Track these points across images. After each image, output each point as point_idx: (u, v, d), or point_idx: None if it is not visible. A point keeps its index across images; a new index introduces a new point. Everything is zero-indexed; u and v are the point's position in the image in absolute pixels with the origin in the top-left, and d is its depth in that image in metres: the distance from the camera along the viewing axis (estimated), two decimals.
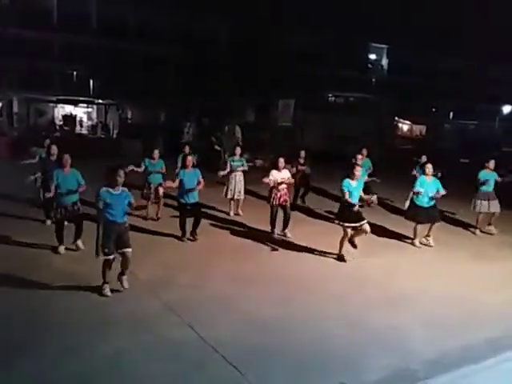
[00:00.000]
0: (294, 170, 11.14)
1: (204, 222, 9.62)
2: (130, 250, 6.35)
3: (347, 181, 7.83)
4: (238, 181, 10.90)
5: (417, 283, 7.30)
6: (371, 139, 20.21)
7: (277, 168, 9.13)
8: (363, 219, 7.90)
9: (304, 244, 8.85)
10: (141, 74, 31.67)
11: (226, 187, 11.03)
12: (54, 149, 9.32)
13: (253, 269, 7.61)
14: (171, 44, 31.99)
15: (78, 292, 6.36)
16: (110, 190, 6.26)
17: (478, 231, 10.40)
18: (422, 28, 35.04)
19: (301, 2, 31.95)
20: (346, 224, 7.88)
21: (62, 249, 7.91)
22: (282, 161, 9.13)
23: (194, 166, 8.97)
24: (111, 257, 6.27)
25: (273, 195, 9.11)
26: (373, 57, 44.10)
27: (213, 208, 11.33)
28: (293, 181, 9.63)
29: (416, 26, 34.88)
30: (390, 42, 40.43)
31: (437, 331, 5.80)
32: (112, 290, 6.37)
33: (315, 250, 8.54)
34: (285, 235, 9.34)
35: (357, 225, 7.86)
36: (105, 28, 31.44)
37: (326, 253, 8.42)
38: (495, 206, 10.20)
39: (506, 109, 41.60)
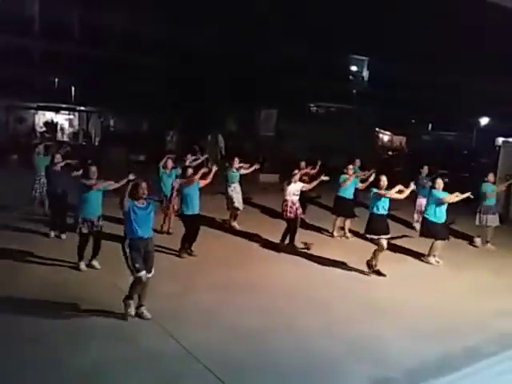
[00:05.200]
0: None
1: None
2: (151, 275, 5.96)
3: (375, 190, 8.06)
4: (238, 192, 10.66)
5: (398, 294, 7.40)
6: (354, 149, 20.37)
7: (290, 182, 9.11)
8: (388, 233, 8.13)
9: (290, 254, 8.90)
10: (123, 82, 31.51)
11: (228, 199, 10.64)
12: None
13: (237, 279, 7.61)
14: (154, 53, 31.96)
15: (60, 304, 6.26)
16: (135, 202, 5.85)
17: (478, 241, 10.33)
18: (402, 40, 35.72)
19: (284, 13, 32.33)
20: (375, 236, 8.04)
21: (83, 265, 7.48)
22: (297, 174, 9.21)
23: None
24: (143, 273, 5.79)
25: (288, 209, 9.03)
26: (354, 68, 44.77)
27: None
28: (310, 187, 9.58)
29: (396, 39, 35.55)
30: (371, 53, 41.10)
31: (416, 341, 5.89)
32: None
33: (301, 260, 8.61)
34: (294, 246, 9.24)
35: (386, 237, 8.06)
36: (87, 35, 31.28)
37: (312, 263, 8.49)
38: (494, 220, 10.17)
39: (484, 121, 42.44)
